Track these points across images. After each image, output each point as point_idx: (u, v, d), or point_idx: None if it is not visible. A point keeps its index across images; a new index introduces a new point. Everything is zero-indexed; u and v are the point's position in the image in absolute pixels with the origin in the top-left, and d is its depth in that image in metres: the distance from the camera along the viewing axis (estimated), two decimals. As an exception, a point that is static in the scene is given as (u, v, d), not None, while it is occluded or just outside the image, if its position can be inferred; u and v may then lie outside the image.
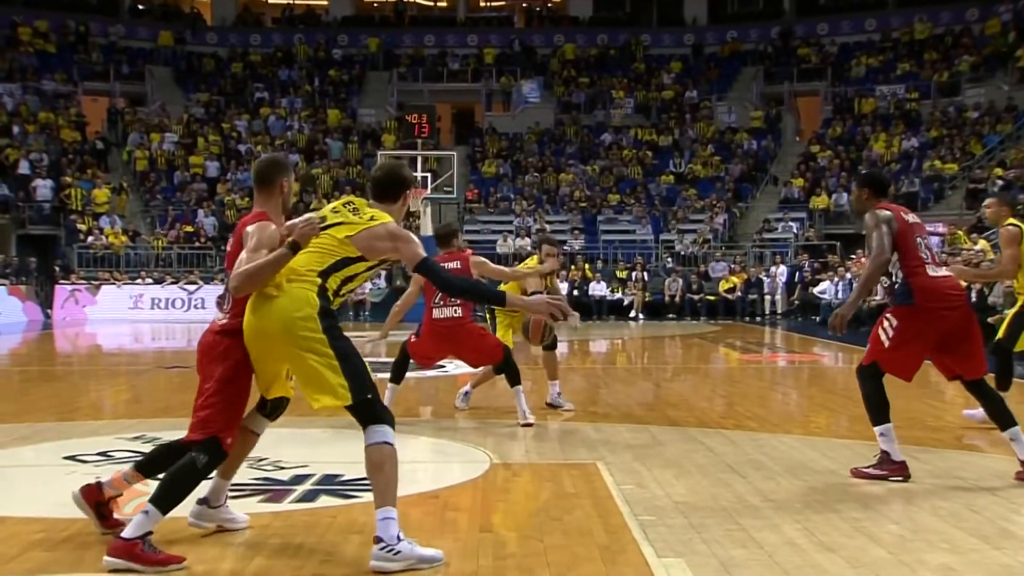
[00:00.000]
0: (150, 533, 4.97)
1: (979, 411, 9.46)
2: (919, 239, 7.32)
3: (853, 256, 28.32)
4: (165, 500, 5.06)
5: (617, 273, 33.70)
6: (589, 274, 33.45)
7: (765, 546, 5.58)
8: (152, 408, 11.55)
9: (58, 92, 41.68)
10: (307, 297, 5.15)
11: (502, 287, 10.17)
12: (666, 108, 43.02)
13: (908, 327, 7.22)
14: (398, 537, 4.96)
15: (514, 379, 9.97)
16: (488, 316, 11.65)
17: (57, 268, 33.92)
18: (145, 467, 5.57)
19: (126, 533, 4.96)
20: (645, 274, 33.19)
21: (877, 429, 7.47)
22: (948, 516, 6.30)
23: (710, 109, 42.69)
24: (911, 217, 7.40)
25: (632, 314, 32.19)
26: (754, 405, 11.73)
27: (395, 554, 4.93)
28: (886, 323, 7.41)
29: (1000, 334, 10.46)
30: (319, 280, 5.24)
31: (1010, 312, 10.73)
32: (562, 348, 21.03)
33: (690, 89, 43.65)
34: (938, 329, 7.21)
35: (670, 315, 31.04)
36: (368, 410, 5.08)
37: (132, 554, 4.88)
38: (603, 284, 33.15)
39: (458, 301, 9.89)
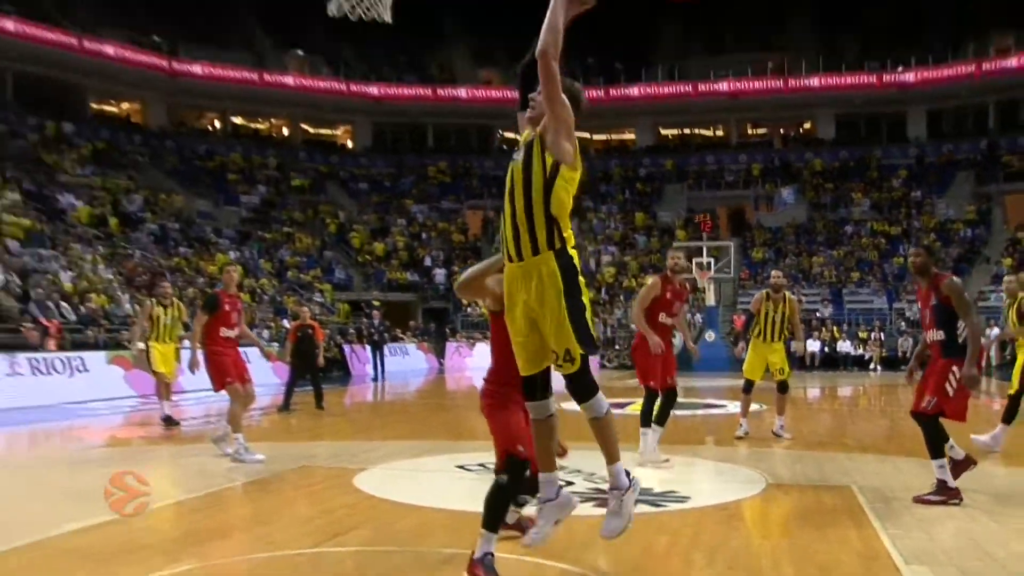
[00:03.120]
0: (490, 554, 4.75)
1: (984, 436, 10.20)
2: None
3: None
4: (488, 521, 4.80)
5: (859, 334, 34.07)
6: (837, 335, 33.92)
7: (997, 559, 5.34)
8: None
9: (450, 208, 45.56)
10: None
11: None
12: (896, 205, 43.14)
13: None
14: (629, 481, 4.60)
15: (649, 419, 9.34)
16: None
17: (448, 330, 36.73)
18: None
19: (475, 554, 4.77)
20: (882, 335, 33.63)
21: (936, 462, 7.25)
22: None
23: (932, 205, 42.47)
24: None
25: (872, 366, 32.39)
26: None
27: (633, 490, 4.58)
28: (952, 376, 7.24)
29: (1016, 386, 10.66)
30: None
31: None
32: (815, 392, 22.68)
33: (915, 190, 43.68)
34: None
35: (902, 367, 29.41)
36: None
37: (473, 573, 4.71)
38: (848, 342, 33.49)
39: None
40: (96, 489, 7.85)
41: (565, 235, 4.42)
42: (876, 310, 36.65)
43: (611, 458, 4.56)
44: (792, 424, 11.93)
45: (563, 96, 4.36)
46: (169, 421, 13.38)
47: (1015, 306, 10.94)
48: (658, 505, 7.13)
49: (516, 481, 4.85)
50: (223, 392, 10.16)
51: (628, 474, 4.60)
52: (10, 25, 37.67)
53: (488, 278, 5.01)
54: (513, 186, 4.46)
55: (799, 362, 32.08)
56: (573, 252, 4.45)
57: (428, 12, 41.68)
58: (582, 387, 4.42)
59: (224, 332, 10.15)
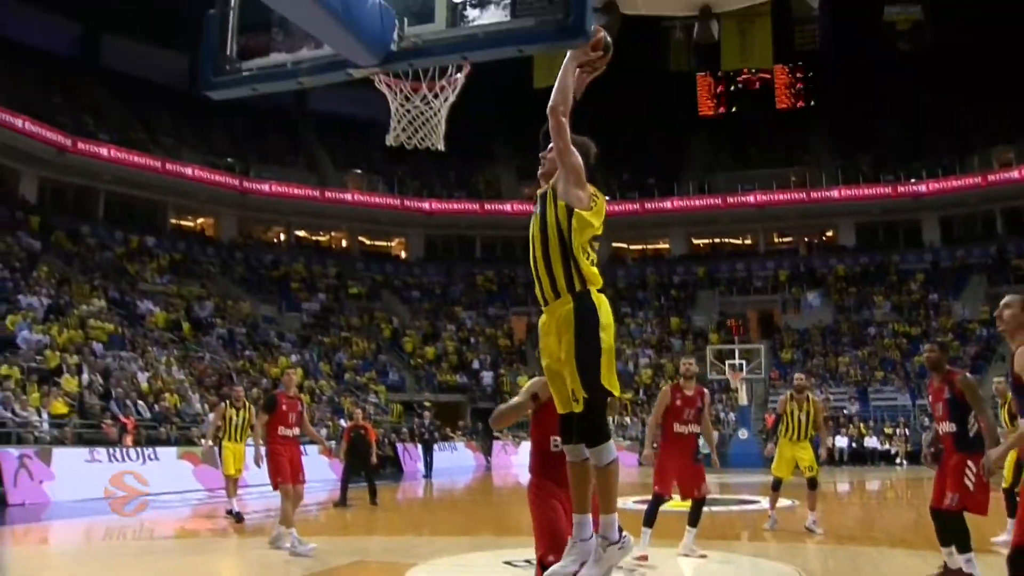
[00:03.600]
0: None
1: (1002, 537, 9.56)
2: None
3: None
4: None
5: (885, 430, 33.40)
6: (863, 431, 33.34)
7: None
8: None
9: (497, 315, 45.74)
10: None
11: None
12: (915, 307, 42.63)
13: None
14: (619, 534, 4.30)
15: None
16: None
17: (493, 430, 37.96)
18: None
19: None
20: (906, 430, 32.91)
21: (963, 556, 6.97)
22: None
23: (948, 307, 41.94)
24: None
25: (897, 460, 31.85)
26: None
27: (621, 548, 4.30)
28: (968, 471, 6.97)
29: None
30: None
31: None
32: (844, 487, 22.19)
33: (931, 292, 43.26)
34: None
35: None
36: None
37: None
38: (875, 438, 32.95)
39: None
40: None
41: (587, 277, 4.29)
42: (900, 407, 35.98)
43: (607, 508, 4.31)
44: (823, 518, 11.66)
45: (572, 147, 4.36)
46: (234, 515, 13.32)
47: (1006, 406, 10.59)
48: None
49: None
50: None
51: (621, 531, 4.33)
52: (105, 151, 39.11)
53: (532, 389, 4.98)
54: (532, 236, 4.43)
55: (828, 458, 31.99)
56: (598, 296, 4.30)
57: (477, 136, 42.55)
58: (587, 430, 4.20)
59: (282, 431, 10.20)
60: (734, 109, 54.93)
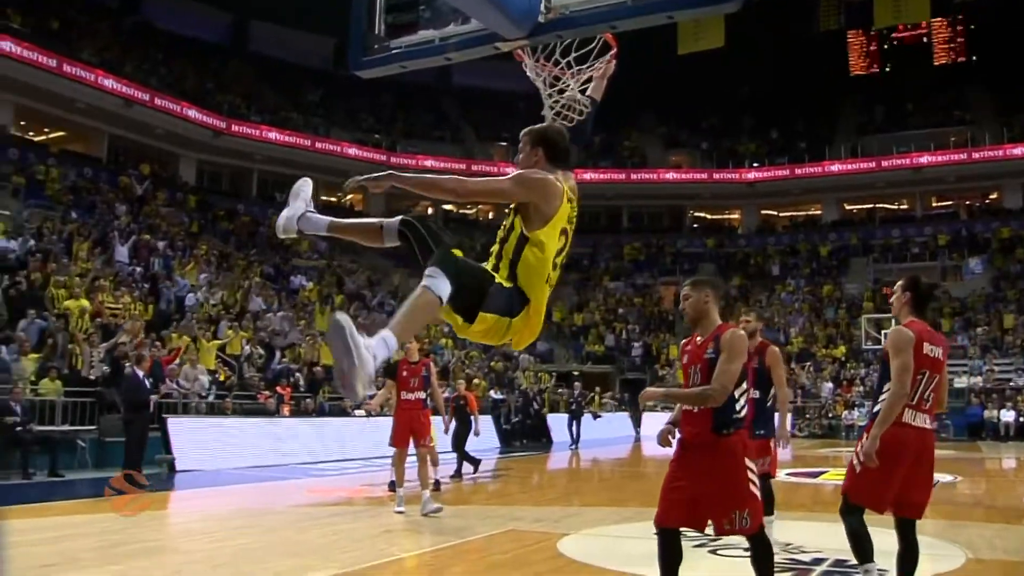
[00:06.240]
0: None
1: None
2: None
3: None
4: None
5: None
6: None
7: None
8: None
9: (645, 284, 45.82)
10: None
11: None
12: None
13: None
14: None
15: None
16: None
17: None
18: None
19: None
20: None
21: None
22: None
23: None
24: None
25: None
26: None
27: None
28: None
29: None
30: None
31: None
32: (1010, 463, 21.13)
33: None
34: None
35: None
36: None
37: None
38: None
39: None
40: (327, 544, 8.17)
41: None
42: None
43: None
44: (988, 496, 11.34)
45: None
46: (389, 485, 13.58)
47: None
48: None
49: None
50: (430, 457, 11.10)
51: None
52: (257, 132, 41.27)
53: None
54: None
55: (993, 433, 30.67)
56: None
57: (621, 103, 42.14)
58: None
59: (404, 395, 10.81)
60: (888, 67, 52.85)
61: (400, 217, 4.27)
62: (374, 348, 3.47)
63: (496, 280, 3.94)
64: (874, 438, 5.26)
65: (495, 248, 4.20)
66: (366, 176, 4.03)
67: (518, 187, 4.11)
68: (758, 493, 4.91)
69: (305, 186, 4.61)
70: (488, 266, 4.14)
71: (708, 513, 4.90)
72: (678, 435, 5.15)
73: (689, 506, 4.92)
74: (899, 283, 5.74)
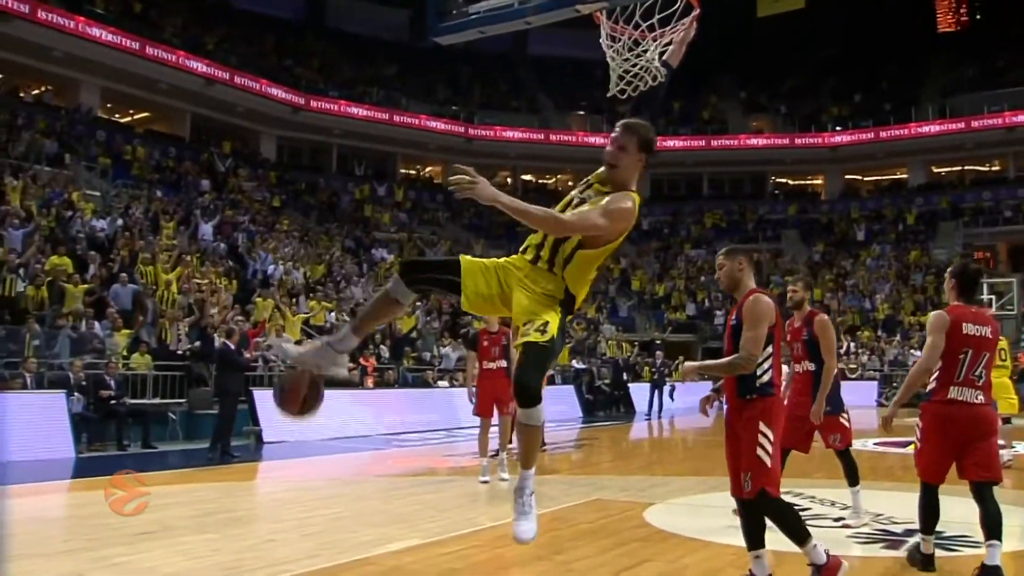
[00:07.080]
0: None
1: None
2: None
3: None
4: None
5: None
6: None
7: None
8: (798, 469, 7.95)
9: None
10: None
11: None
12: None
13: None
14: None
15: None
16: None
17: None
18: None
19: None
20: None
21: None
22: None
23: None
24: None
25: None
26: None
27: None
28: None
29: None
30: None
31: None
32: None
33: None
34: None
35: None
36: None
37: None
38: None
39: None
40: (409, 514, 8.26)
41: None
42: None
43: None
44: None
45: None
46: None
47: None
48: (951, 550, 6.29)
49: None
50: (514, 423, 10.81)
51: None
52: (335, 107, 41.70)
53: None
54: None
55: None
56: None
57: (700, 68, 41.55)
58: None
59: (486, 364, 10.90)
60: (978, 19, 51.11)
61: (395, 273, 4.58)
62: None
63: (545, 337, 4.24)
64: (894, 404, 5.88)
65: (546, 242, 4.51)
66: (470, 178, 4.13)
67: (614, 223, 4.35)
68: (768, 460, 4.90)
69: (285, 343, 4.94)
70: (528, 256, 4.56)
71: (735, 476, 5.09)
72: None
73: (731, 473, 5.18)
74: (948, 269, 6.01)
